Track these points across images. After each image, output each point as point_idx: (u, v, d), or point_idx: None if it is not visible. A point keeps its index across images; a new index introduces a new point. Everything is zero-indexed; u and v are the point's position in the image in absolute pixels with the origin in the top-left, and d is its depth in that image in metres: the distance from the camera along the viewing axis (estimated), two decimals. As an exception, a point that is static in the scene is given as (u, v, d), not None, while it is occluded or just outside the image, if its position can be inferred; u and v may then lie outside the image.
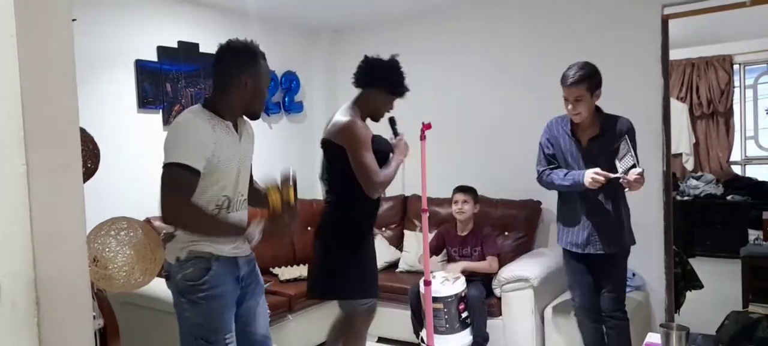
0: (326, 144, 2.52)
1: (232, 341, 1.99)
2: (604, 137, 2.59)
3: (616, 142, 2.52)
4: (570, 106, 2.56)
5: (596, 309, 2.74)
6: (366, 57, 2.60)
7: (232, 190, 1.98)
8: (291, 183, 1.97)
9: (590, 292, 2.74)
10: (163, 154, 1.87)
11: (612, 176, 2.46)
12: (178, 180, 1.80)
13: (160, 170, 1.84)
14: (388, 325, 3.66)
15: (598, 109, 2.64)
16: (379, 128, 2.62)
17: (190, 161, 1.80)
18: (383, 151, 2.53)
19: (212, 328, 1.93)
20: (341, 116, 2.49)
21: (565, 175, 2.62)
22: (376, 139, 2.52)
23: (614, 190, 2.59)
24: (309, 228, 4.24)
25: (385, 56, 2.58)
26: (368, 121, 2.57)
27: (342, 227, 2.54)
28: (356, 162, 2.41)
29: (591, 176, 2.49)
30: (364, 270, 2.56)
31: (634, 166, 2.39)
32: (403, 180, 3.43)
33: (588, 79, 2.52)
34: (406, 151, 2.60)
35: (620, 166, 2.45)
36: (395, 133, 2.63)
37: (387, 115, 2.63)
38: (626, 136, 2.48)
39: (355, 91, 2.62)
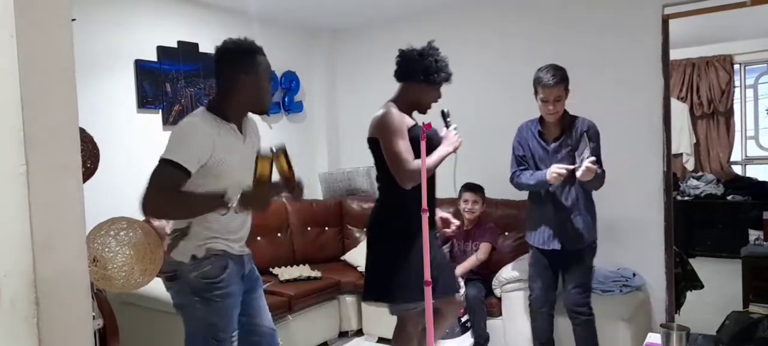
0: (370, 142, 2.48)
1: (236, 340, 2.02)
2: (567, 137, 2.75)
3: (577, 141, 2.67)
4: (551, 107, 2.70)
5: (551, 302, 2.89)
6: (400, 50, 2.52)
7: (235, 190, 1.96)
8: (283, 154, 1.98)
9: (548, 286, 2.87)
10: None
11: (570, 167, 2.61)
12: (164, 175, 1.84)
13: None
14: (388, 325, 3.65)
15: (564, 110, 2.78)
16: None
17: (182, 160, 1.84)
18: (418, 138, 2.29)
19: (222, 326, 1.97)
20: (379, 111, 2.46)
21: (531, 175, 2.77)
22: (415, 129, 2.41)
23: (578, 189, 2.74)
24: (309, 228, 4.25)
25: (417, 47, 2.52)
26: (416, 113, 2.53)
27: (386, 226, 2.46)
28: (386, 150, 2.35)
29: (552, 171, 2.63)
30: (409, 272, 2.33)
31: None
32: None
33: (565, 80, 2.70)
34: (454, 143, 2.44)
35: (578, 161, 2.58)
36: (446, 125, 2.52)
37: (440, 108, 2.55)
38: (585, 134, 2.64)
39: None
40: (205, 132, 1.90)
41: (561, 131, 2.77)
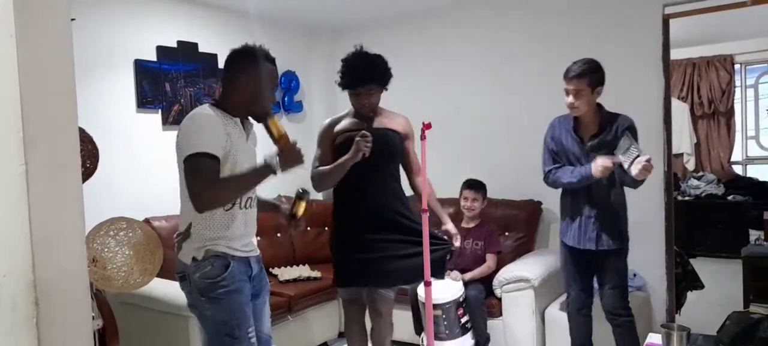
0: None
1: (254, 335, 2.03)
2: (604, 134, 2.62)
3: (616, 139, 2.55)
4: (570, 99, 2.60)
5: (589, 305, 2.81)
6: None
7: None
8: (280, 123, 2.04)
9: (587, 287, 2.80)
10: (176, 152, 1.95)
11: (617, 160, 2.48)
12: (200, 167, 1.86)
13: (182, 165, 1.90)
14: (388, 325, 3.65)
15: (600, 106, 2.67)
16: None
17: (208, 148, 1.87)
18: (345, 143, 2.50)
19: (235, 322, 1.98)
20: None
21: (572, 172, 2.65)
22: (347, 132, 2.56)
23: (616, 187, 2.65)
24: (309, 228, 4.24)
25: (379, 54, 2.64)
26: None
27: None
28: None
29: (599, 164, 2.52)
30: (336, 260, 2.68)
31: (638, 156, 2.41)
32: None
33: (589, 74, 2.57)
34: (352, 154, 2.43)
35: (625, 158, 2.46)
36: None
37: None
38: (627, 131, 2.52)
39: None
40: (217, 121, 1.94)
41: (599, 129, 2.64)
